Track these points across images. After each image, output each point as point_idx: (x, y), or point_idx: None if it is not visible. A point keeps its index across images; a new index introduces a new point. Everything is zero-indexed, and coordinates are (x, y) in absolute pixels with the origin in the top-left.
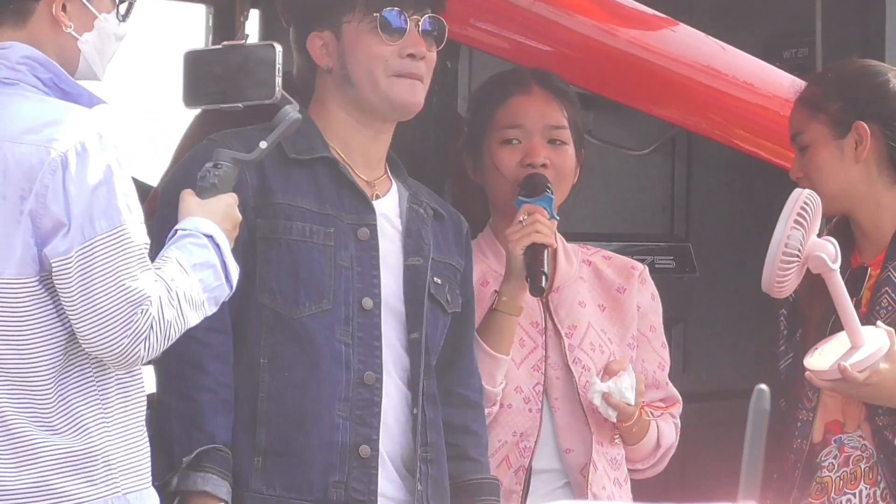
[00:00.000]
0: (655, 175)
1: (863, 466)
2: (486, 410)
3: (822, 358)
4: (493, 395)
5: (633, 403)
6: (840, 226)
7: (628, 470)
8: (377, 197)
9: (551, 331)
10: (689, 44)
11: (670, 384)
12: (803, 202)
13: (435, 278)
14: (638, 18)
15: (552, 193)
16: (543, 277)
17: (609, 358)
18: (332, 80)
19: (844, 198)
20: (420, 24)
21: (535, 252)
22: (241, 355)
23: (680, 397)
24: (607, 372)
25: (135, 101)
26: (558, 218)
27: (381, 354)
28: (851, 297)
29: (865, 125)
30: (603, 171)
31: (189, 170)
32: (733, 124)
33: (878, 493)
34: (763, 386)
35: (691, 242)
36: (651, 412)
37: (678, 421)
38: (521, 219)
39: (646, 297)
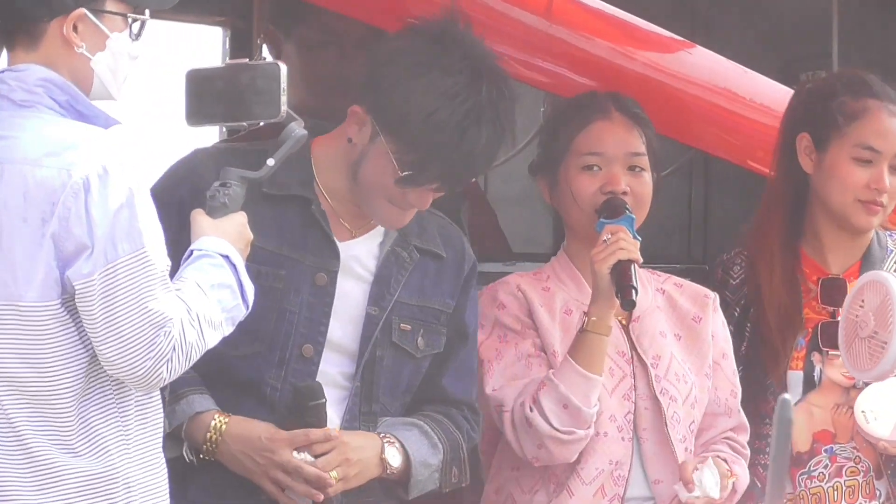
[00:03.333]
0: (673, 197)
1: (860, 480)
2: (583, 433)
3: (881, 423)
4: (588, 417)
5: (718, 497)
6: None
7: None
8: (353, 236)
9: (637, 361)
10: (706, 66)
11: (741, 412)
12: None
13: (402, 325)
14: (655, 41)
15: (632, 214)
16: (634, 291)
17: (691, 389)
18: (352, 151)
19: None
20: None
21: (621, 268)
22: (175, 387)
23: (748, 425)
24: (682, 477)
25: (151, 122)
26: (640, 239)
27: (324, 408)
28: (833, 306)
29: None
30: None
31: (176, 174)
32: (750, 146)
33: None
34: (787, 395)
35: (708, 264)
36: (728, 466)
37: (748, 451)
38: (605, 238)
39: (718, 325)
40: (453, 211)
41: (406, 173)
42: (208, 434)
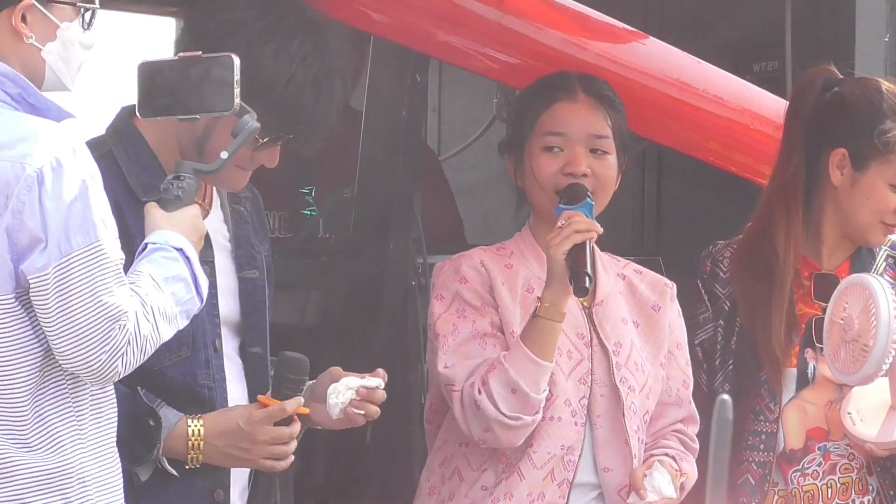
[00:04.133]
0: (625, 188)
1: (853, 477)
2: (530, 419)
3: (868, 425)
4: (536, 403)
5: (675, 496)
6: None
7: None
8: (208, 211)
9: (597, 345)
10: (659, 57)
11: (692, 402)
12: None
13: (241, 259)
14: (608, 31)
15: (592, 201)
16: (587, 278)
17: (647, 379)
18: (193, 128)
19: None
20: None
21: (575, 254)
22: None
23: (698, 416)
24: (633, 487)
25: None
26: (600, 225)
27: (227, 395)
28: (826, 302)
29: None
30: None
31: None
32: (703, 137)
33: (869, 501)
34: (725, 396)
35: (661, 255)
36: (677, 465)
37: (696, 444)
38: (561, 223)
39: (675, 314)
40: (406, 201)
41: (266, 139)
42: (190, 442)
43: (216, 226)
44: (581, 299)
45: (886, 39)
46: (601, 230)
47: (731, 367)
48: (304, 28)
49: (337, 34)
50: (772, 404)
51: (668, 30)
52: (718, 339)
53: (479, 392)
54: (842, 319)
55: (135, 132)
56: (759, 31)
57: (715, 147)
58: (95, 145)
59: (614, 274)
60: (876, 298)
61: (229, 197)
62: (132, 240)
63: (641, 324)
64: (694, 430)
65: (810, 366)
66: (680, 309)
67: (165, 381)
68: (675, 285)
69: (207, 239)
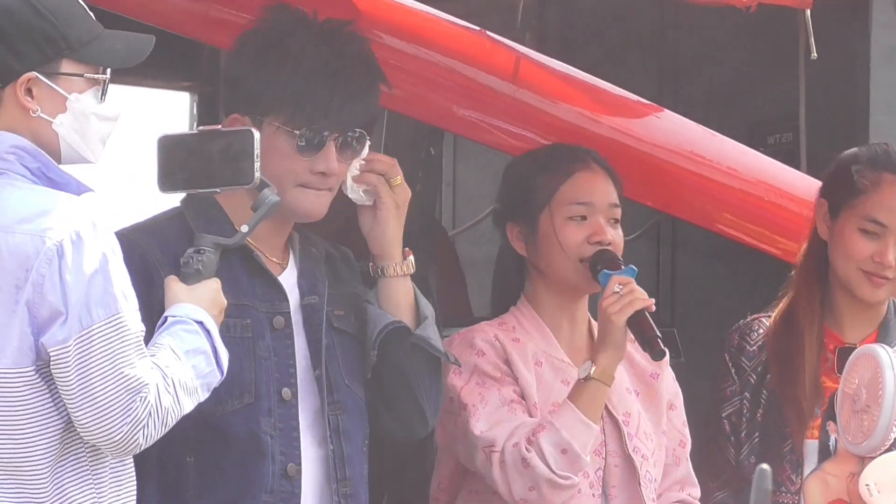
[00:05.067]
0: (641, 260)
1: None
2: (577, 480)
3: (885, 496)
4: (583, 465)
5: None
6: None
7: None
8: (284, 268)
9: (607, 417)
10: (674, 130)
11: (689, 461)
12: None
13: (336, 311)
14: (622, 105)
15: (633, 267)
16: (659, 341)
17: (655, 448)
18: None
19: None
20: (339, 140)
21: (639, 319)
22: (167, 456)
23: (696, 478)
24: None
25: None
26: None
27: (300, 445)
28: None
29: None
30: None
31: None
32: (717, 209)
33: None
34: (765, 466)
35: (676, 327)
36: None
37: None
38: (617, 289)
39: (669, 380)
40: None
41: (302, 131)
42: None
43: (290, 283)
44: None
45: None
46: (653, 308)
47: (756, 440)
48: (319, 37)
49: (359, 41)
50: (794, 476)
51: (682, 103)
52: (744, 412)
53: (528, 450)
54: (852, 390)
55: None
56: (774, 103)
57: (729, 218)
58: (168, 212)
59: None
60: (882, 368)
61: (301, 240)
62: None
63: (641, 392)
64: (695, 493)
65: (832, 438)
66: (673, 374)
67: (229, 427)
68: (667, 350)
69: (283, 293)
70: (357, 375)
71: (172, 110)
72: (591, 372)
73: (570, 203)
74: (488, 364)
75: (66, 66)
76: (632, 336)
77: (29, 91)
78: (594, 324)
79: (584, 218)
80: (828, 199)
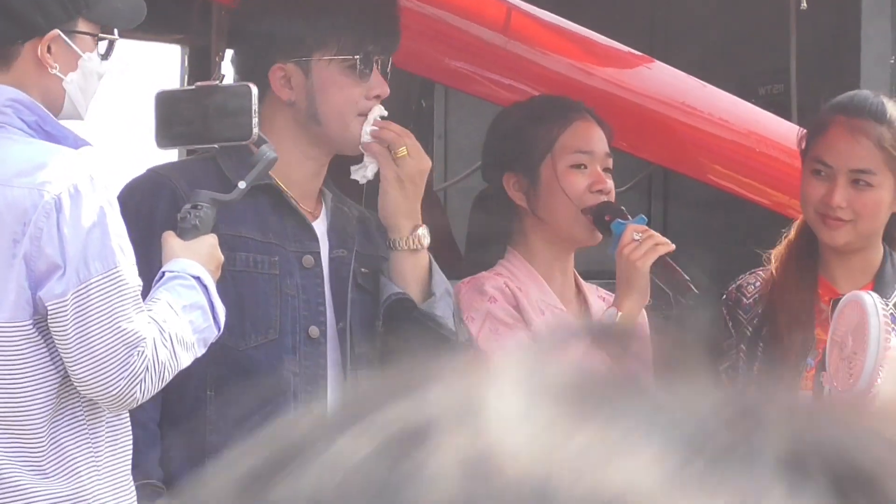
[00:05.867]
0: (632, 213)
1: None
2: None
3: None
4: None
5: None
6: (805, 254)
7: None
8: (314, 218)
9: None
10: (665, 81)
11: None
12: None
13: (362, 268)
14: (613, 56)
15: (642, 216)
16: (690, 284)
17: None
18: (294, 114)
19: (877, 236)
20: (381, 64)
21: (665, 265)
22: (185, 389)
23: None
24: None
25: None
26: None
27: (327, 385)
28: None
29: None
30: None
31: (132, 197)
32: (709, 160)
33: None
34: None
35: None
36: None
37: None
38: (637, 237)
39: (646, 328)
40: None
41: (356, 57)
42: None
43: (321, 232)
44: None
45: (892, 62)
46: (673, 249)
47: None
48: None
49: None
50: None
51: (674, 54)
52: (740, 365)
53: None
54: (839, 337)
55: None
56: (765, 55)
57: (721, 170)
58: (201, 155)
59: (596, 297)
60: (867, 315)
61: (333, 199)
62: (216, 227)
63: None
64: None
65: (826, 389)
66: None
67: (251, 363)
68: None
69: (314, 235)
70: (369, 338)
71: (163, 63)
72: (618, 318)
73: (572, 151)
74: (501, 310)
75: (82, 26)
76: (605, 291)
77: (49, 49)
78: (578, 276)
79: (584, 167)
80: (800, 152)
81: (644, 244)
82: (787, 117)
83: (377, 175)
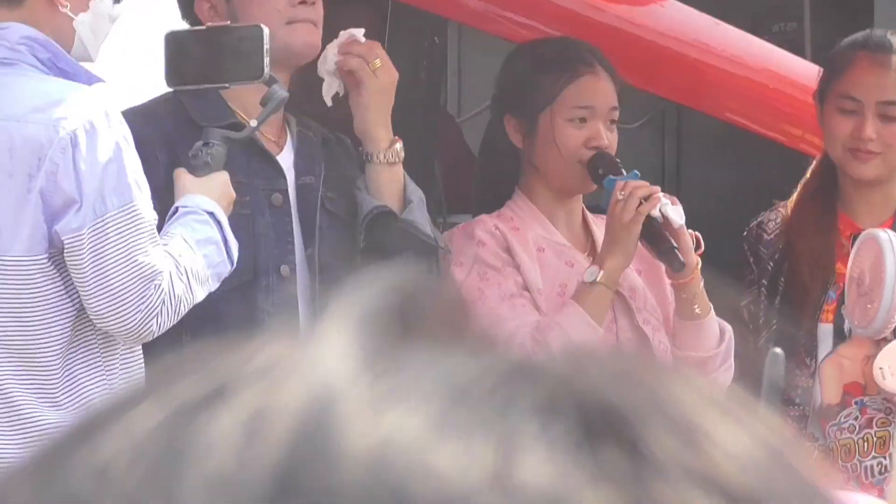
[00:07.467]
0: (645, 149)
1: (890, 430)
2: None
3: None
4: None
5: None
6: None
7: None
8: (281, 147)
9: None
10: (678, 18)
11: None
12: None
13: (329, 193)
14: None
15: (636, 172)
16: (677, 252)
17: (661, 319)
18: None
19: None
20: None
21: (653, 232)
22: (163, 335)
23: None
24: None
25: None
26: None
27: (299, 318)
28: None
29: None
30: None
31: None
32: (723, 96)
33: None
34: (778, 350)
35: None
36: None
37: None
38: (621, 196)
39: None
40: (428, 165)
41: None
42: None
43: (287, 164)
44: (586, 252)
45: None
46: (658, 188)
47: (774, 327)
48: None
49: None
50: (808, 359)
51: None
52: (762, 300)
53: (534, 351)
54: (857, 274)
55: None
56: None
57: (734, 106)
58: (162, 95)
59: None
60: (884, 252)
61: (297, 122)
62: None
63: (644, 270)
64: None
65: (846, 322)
66: None
67: (226, 305)
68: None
69: (281, 171)
70: (347, 259)
71: (174, 7)
72: (598, 277)
73: (572, 106)
74: (489, 253)
75: None
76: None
77: None
78: (588, 213)
79: (583, 121)
80: (818, 90)
81: (628, 203)
82: (801, 54)
83: (336, 97)
